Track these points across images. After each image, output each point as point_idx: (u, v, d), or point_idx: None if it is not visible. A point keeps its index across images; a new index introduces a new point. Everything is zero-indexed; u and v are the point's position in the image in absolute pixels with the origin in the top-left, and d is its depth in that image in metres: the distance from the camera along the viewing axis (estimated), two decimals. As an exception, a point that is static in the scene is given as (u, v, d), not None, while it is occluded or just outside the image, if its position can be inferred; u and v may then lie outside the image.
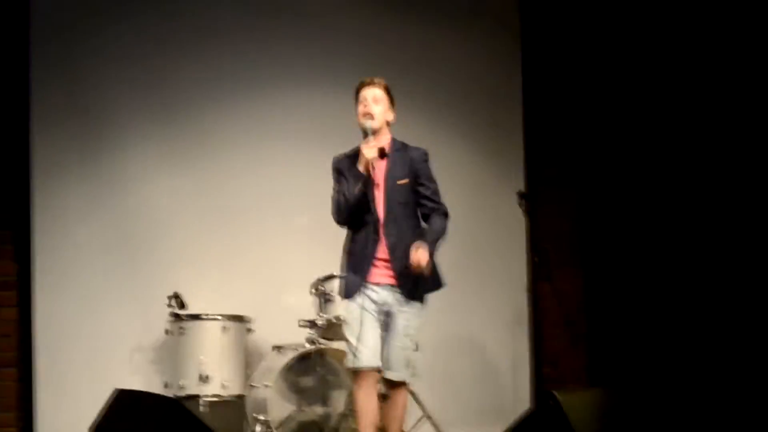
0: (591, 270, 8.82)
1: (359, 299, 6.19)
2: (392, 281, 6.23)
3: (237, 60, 8.54)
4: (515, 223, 8.55)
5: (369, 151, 6.16)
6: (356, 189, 6.14)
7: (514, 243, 8.77)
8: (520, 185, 8.65)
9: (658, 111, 8.45)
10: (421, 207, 6.38)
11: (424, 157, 6.44)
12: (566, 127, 8.93)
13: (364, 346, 6.15)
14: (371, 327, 6.19)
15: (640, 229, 8.53)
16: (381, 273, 6.22)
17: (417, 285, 6.27)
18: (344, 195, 6.20)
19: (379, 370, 6.22)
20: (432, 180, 6.44)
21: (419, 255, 6.06)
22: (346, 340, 6.27)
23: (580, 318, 8.70)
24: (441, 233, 6.35)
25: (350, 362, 6.21)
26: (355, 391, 6.31)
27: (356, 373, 6.21)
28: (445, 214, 6.39)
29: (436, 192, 6.42)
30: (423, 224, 6.37)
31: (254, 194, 8.42)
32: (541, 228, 8.65)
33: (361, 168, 6.16)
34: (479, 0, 9.02)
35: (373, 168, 6.19)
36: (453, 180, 8.64)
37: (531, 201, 8.41)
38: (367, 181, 6.17)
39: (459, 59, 8.90)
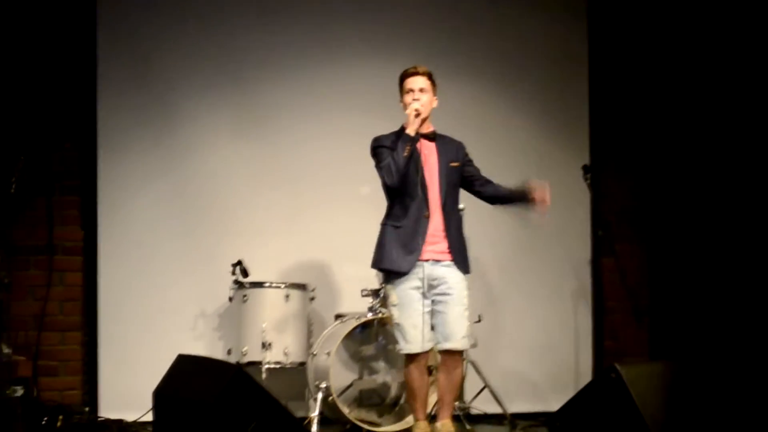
0: (654, 243, 8.78)
1: (408, 281, 6.33)
2: (444, 257, 6.46)
3: (300, 30, 8.52)
4: (579, 197, 8.54)
5: (413, 106, 6.41)
6: (405, 151, 6.32)
7: (578, 216, 8.78)
8: (585, 159, 8.62)
9: (725, 87, 8.37)
10: (475, 182, 6.72)
11: (464, 148, 6.74)
12: (631, 102, 8.89)
13: (417, 330, 6.33)
14: (421, 309, 6.34)
15: (704, 202, 8.47)
16: (432, 249, 6.44)
17: (465, 259, 6.53)
18: (393, 158, 6.35)
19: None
20: (473, 164, 6.78)
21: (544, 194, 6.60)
22: (396, 324, 6.40)
23: (643, 291, 8.66)
24: None
25: (403, 347, 6.39)
26: (410, 373, 6.47)
27: (410, 356, 6.38)
28: None
29: (478, 172, 6.77)
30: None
31: (317, 163, 8.43)
32: (605, 201, 8.63)
33: (409, 131, 6.38)
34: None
35: (418, 136, 6.44)
36: (519, 153, 8.72)
37: (595, 174, 8.38)
38: (415, 141, 6.38)
39: (525, 35, 8.89)
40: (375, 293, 7.51)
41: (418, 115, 6.36)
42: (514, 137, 8.80)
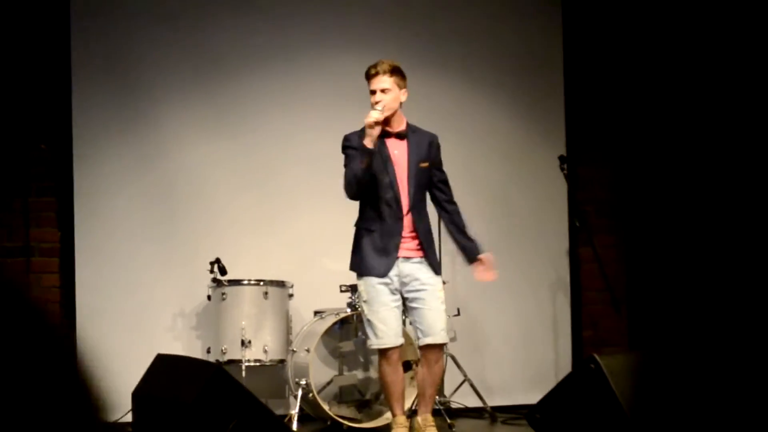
0: (631, 233, 8.81)
1: (378, 277, 6.34)
2: (415, 254, 6.44)
3: (275, 24, 8.52)
4: (556, 187, 8.55)
5: (372, 115, 6.25)
6: (362, 163, 6.22)
7: (555, 207, 8.80)
8: (561, 149, 8.64)
9: (703, 77, 8.38)
10: (437, 192, 6.62)
11: (438, 142, 6.62)
12: (607, 92, 8.91)
13: (387, 326, 6.36)
14: (392, 305, 6.35)
15: (681, 192, 8.49)
16: (404, 246, 6.42)
17: (436, 258, 6.55)
18: (352, 170, 6.30)
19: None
20: (443, 168, 6.65)
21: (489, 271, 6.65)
22: (366, 320, 6.40)
23: (621, 280, 8.68)
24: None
25: (374, 342, 6.41)
26: (382, 369, 6.48)
27: (381, 351, 6.38)
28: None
29: (447, 181, 6.65)
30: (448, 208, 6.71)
31: (294, 159, 8.42)
32: (581, 192, 8.65)
33: (366, 143, 6.23)
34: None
35: (376, 144, 6.29)
36: (495, 145, 8.74)
37: (572, 165, 8.39)
38: (372, 154, 6.26)
39: (500, 26, 8.91)
40: (353, 289, 7.51)
41: (377, 123, 6.26)
42: (490, 128, 8.80)
